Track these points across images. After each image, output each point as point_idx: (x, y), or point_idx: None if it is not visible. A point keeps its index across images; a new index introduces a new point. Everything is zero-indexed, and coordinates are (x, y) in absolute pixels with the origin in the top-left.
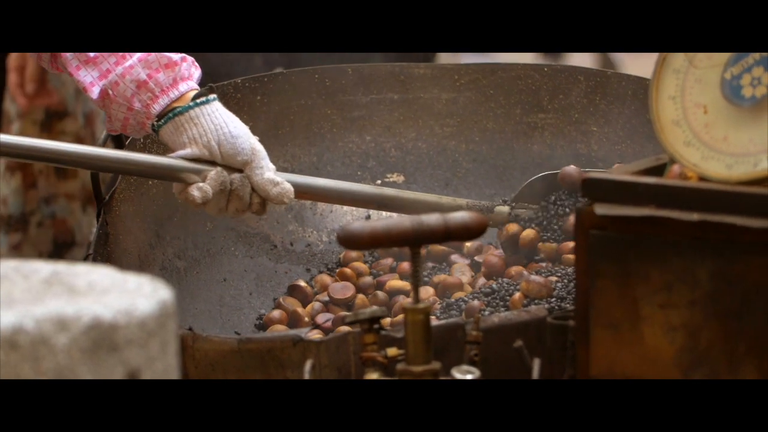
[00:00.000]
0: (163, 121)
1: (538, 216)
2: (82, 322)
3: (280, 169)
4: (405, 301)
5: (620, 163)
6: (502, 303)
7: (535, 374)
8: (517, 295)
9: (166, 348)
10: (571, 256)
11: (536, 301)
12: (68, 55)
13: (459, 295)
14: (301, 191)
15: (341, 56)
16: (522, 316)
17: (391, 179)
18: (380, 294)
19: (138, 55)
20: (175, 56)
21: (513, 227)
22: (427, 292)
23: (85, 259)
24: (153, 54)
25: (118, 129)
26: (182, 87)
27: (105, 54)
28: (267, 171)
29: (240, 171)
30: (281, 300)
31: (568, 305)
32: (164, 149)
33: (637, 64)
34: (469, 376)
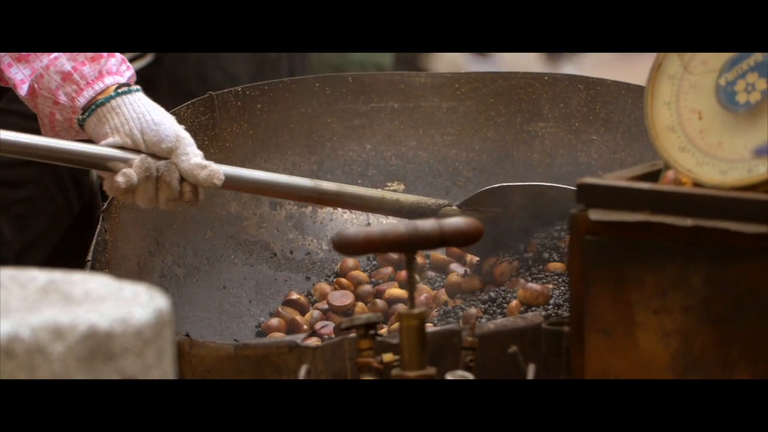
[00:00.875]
0: (87, 114)
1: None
2: (78, 330)
3: None
4: (402, 307)
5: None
6: (499, 310)
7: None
8: (514, 302)
9: (163, 356)
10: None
11: (533, 309)
12: (3, 53)
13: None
14: (233, 182)
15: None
16: (518, 322)
17: (392, 187)
18: (379, 302)
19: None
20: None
21: (453, 277)
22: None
23: (84, 266)
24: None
25: (48, 129)
26: (108, 80)
27: (40, 53)
28: (194, 156)
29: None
30: (280, 309)
31: (564, 312)
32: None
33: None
34: None
